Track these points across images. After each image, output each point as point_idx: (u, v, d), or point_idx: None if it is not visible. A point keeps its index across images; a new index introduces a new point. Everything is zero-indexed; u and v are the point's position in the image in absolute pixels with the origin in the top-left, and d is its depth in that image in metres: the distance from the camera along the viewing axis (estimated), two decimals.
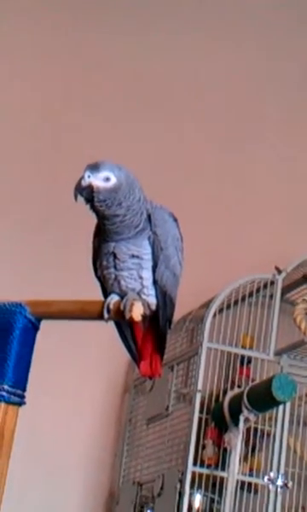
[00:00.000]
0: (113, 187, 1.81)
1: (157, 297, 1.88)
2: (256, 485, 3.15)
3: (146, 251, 1.86)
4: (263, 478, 3.10)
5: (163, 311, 1.90)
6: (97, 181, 1.80)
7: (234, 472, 2.97)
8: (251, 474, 3.14)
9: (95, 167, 1.81)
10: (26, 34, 4.06)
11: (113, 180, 1.81)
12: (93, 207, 1.83)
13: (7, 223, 3.78)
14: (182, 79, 4.19)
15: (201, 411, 3.09)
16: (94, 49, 4.11)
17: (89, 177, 1.80)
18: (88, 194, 1.81)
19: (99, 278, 1.91)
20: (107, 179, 1.81)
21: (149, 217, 1.87)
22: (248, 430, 3.10)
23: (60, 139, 3.95)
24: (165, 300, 1.90)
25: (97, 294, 1.90)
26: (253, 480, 3.13)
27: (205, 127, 4.14)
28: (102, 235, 1.87)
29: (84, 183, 1.80)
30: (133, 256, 1.85)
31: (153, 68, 4.16)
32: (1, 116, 3.91)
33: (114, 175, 1.81)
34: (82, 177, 1.81)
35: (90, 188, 1.80)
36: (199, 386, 3.11)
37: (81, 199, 1.81)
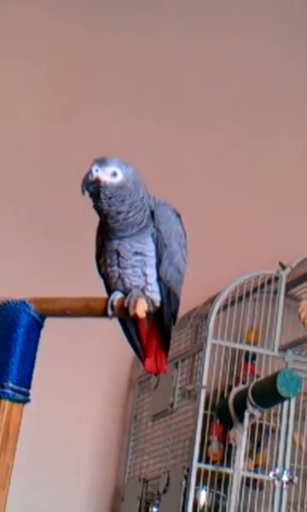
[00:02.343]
0: (120, 183, 1.79)
1: (161, 294, 1.87)
2: (261, 481, 3.15)
3: (150, 248, 1.85)
4: (268, 474, 3.10)
5: (167, 308, 1.89)
6: (105, 175, 1.78)
7: (240, 468, 2.96)
8: (256, 470, 3.14)
9: (102, 162, 1.79)
10: (33, 31, 4.05)
11: (120, 176, 1.79)
12: (96, 205, 1.81)
13: (12, 221, 3.78)
14: (187, 77, 4.19)
15: (206, 408, 3.09)
16: (99, 48, 4.11)
17: (96, 171, 1.78)
18: (94, 188, 1.79)
19: (102, 275, 1.90)
20: (115, 174, 1.79)
21: (152, 213, 1.85)
22: (253, 426, 3.10)
23: (67, 139, 3.94)
24: (170, 297, 1.89)
25: (101, 291, 1.90)
26: (258, 476, 3.13)
27: (211, 122, 4.13)
28: (106, 233, 1.86)
29: (92, 177, 1.78)
30: (136, 253, 1.84)
31: (162, 62, 4.15)
32: (8, 117, 3.91)
33: (121, 171, 1.80)
34: (89, 171, 1.78)
35: (97, 182, 1.78)
36: (204, 383, 3.10)
37: (87, 193, 1.79)
